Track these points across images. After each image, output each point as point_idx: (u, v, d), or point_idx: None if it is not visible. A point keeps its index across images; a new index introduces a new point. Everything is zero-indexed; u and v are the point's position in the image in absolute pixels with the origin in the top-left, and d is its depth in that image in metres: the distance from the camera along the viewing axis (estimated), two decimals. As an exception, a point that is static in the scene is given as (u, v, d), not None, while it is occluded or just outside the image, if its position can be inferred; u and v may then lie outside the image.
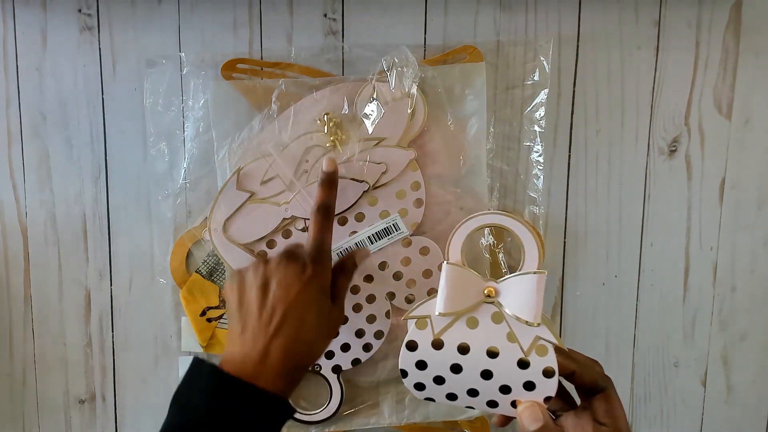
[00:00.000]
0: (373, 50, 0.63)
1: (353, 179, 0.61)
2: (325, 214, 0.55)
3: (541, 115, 0.64)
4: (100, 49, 0.64)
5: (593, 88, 0.65)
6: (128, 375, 0.69)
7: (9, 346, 0.68)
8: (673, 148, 0.67)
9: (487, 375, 0.44)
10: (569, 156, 0.67)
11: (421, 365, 0.45)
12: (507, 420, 0.48)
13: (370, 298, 0.63)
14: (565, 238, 0.68)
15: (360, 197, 0.61)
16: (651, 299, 0.69)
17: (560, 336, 0.69)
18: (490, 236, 0.64)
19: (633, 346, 0.70)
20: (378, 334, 0.64)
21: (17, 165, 0.65)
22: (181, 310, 0.66)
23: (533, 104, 0.64)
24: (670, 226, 0.68)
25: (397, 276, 0.63)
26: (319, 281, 0.50)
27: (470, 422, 0.67)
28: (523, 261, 0.44)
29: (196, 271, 0.65)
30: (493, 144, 0.64)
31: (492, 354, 0.43)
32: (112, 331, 0.68)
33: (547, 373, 0.43)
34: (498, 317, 0.44)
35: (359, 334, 0.63)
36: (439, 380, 0.45)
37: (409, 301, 0.63)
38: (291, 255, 0.51)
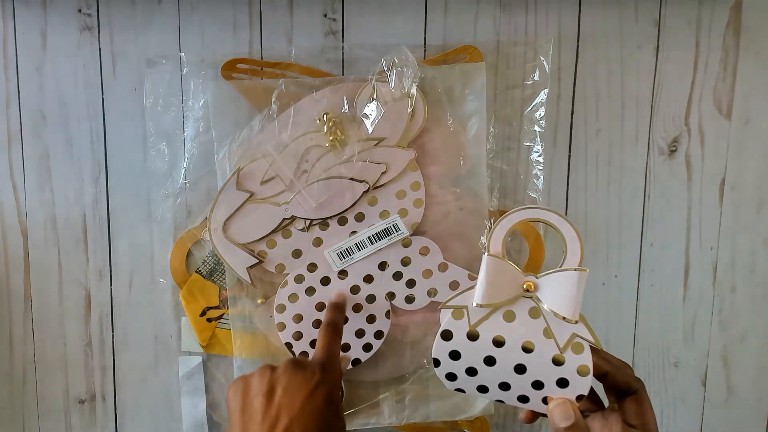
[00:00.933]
0: (373, 50, 0.63)
1: (353, 179, 0.61)
2: (334, 329, 0.55)
3: (541, 115, 0.64)
4: (100, 49, 0.64)
5: (593, 88, 0.65)
6: (128, 375, 0.69)
7: (9, 346, 0.68)
8: (673, 148, 0.67)
9: (520, 369, 0.44)
10: (569, 156, 0.67)
11: (455, 355, 0.45)
12: (534, 416, 0.47)
13: (370, 299, 0.63)
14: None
15: (360, 197, 0.61)
16: (651, 299, 0.69)
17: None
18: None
19: (633, 346, 0.70)
20: (378, 334, 0.64)
21: (17, 165, 0.65)
22: (181, 310, 0.66)
23: (533, 104, 0.64)
24: (670, 226, 0.68)
25: (397, 276, 0.63)
26: (327, 389, 0.48)
27: (470, 422, 0.67)
28: (565, 257, 0.44)
29: (196, 271, 0.65)
30: (493, 144, 0.64)
31: (527, 349, 0.43)
32: (112, 331, 0.68)
33: (581, 372, 0.43)
34: (535, 312, 0.43)
35: (359, 334, 0.63)
36: (471, 372, 0.45)
37: (410, 300, 0.63)
38: (299, 363, 0.50)
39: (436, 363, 0.45)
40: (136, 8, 0.63)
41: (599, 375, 0.45)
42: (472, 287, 0.44)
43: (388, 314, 0.63)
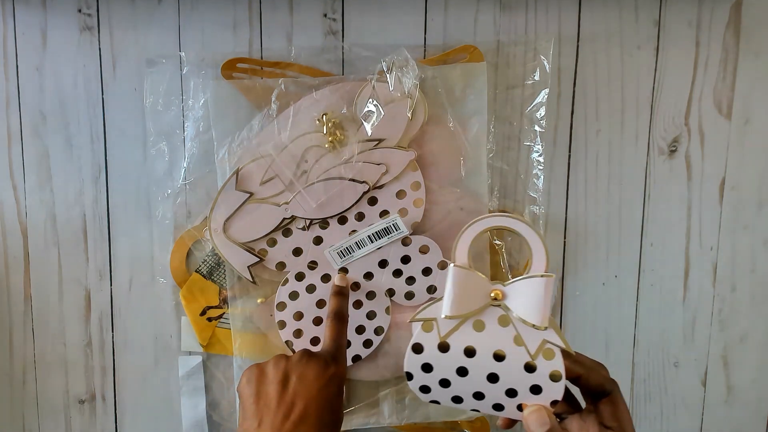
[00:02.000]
0: (372, 50, 0.63)
1: (353, 180, 0.61)
2: (340, 319, 0.55)
3: (542, 114, 0.64)
4: (100, 49, 0.64)
5: (593, 88, 0.65)
6: (128, 375, 0.69)
7: (9, 346, 0.68)
8: (673, 148, 0.67)
9: (493, 378, 0.44)
10: (569, 156, 0.67)
11: (427, 368, 0.44)
12: (512, 423, 0.48)
13: (370, 295, 0.63)
14: (565, 238, 0.68)
15: (360, 197, 0.61)
16: (651, 299, 0.69)
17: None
18: (495, 237, 0.64)
19: (633, 346, 0.70)
20: (378, 330, 0.64)
21: (17, 165, 0.65)
22: (181, 309, 0.66)
23: (533, 104, 0.64)
24: (670, 226, 0.68)
25: (397, 273, 0.63)
26: (339, 380, 0.50)
27: (470, 422, 0.67)
28: (531, 264, 0.44)
29: (196, 271, 0.65)
30: (493, 144, 0.64)
31: (499, 357, 0.43)
32: (112, 331, 0.68)
33: (554, 377, 0.43)
34: (505, 320, 0.43)
35: (359, 330, 0.63)
36: (444, 383, 0.45)
37: (409, 297, 0.63)
38: (312, 353, 0.51)
39: (409, 377, 0.45)
40: (136, 8, 0.64)
41: (573, 378, 0.45)
42: (441, 298, 0.44)
43: (387, 310, 0.63)
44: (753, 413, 0.72)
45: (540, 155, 0.65)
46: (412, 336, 0.45)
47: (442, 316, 0.43)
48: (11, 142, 0.65)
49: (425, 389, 0.46)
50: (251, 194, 0.62)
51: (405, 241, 0.63)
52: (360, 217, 0.62)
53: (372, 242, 0.62)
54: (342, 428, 0.66)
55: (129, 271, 0.67)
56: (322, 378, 0.48)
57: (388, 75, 0.61)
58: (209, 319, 0.66)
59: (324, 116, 0.61)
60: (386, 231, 0.62)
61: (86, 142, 0.65)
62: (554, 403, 0.43)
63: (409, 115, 0.61)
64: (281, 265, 0.63)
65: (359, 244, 0.62)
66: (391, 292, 0.63)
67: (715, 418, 0.71)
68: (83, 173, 0.66)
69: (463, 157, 0.63)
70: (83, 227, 0.66)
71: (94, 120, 0.65)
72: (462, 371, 0.44)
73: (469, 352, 0.43)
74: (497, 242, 0.64)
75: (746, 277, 0.69)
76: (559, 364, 0.43)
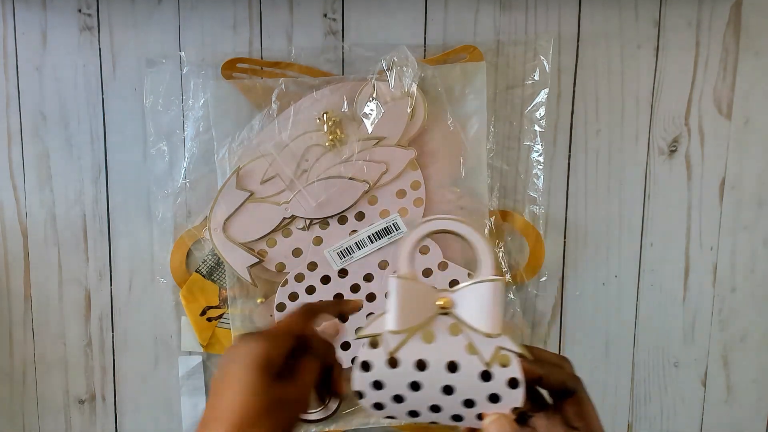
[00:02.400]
0: (373, 50, 0.63)
1: (353, 179, 0.61)
2: (307, 311, 0.46)
3: (542, 114, 0.64)
4: (100, 49, 0.64)
5: (593, 88, 0.66)
6: (128, 375, 0.69)
7: (9, 346, 0.68)
8: (673, 148, 0.67)
9: (448, 390, 0.41)
10: (569, 156, 0.67)
11: (378, 385, 0.42)
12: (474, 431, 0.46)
13: (370, 297, 0.63)
14: (565, 238, 0.68)
15: (360, 197, 0.61)
16: (651, 299, 0.69)
17: (560, 336, 0.69)
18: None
19: (633, 346, 0.70)
20: (378, 334, 0.64)
21: (17, 165, 0.65)
22: (181, 309, 0.66)
23: (533, 104, 0.64)
24: (670, 226, 0.68)
25: (397, 275, 0.63)
26: (249, 355, 0.41)
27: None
28: (479, 269, 0.41)
29: (196, 271, 0.65)
30: (493, 143, 0.64)
31: (452, 368, 0.41)
32: (112, 331, 0.68)
33: (512, 384, 0.40)
34: (456, 329, 0.41)
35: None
36: (398, 399, 0.42)
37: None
38: (244, 335, 0.45)
39: (360, 395, 0.42)
40: (136, 8, 0.64)
41: (533, 380, 0.42)
42: (384, 313, 0.41)
43: (388, 314, 0.63)
44: (753, 413, 0.72)
45: (540, 155, 0.65)
46: (359, 353, 0.42)
47: (388, 330, 0.40)
48: (11, 142, 0.65)
49: (379, 406, 0.43)
50: (252, 193, 0.62)
51: (405, 241, 0.63)
52: (360, 216, 0.62)
53: (372, 242, 0.62)
54: (342, 428, 0.66)
55: (129, 271, 0.67)
56: (227, 357, 0.42)
57: (388, 73, 0.61)
58: (209, 319, 0.66)
59: (324, 115, 0.61)
60: (386, 231, 0.62)
61: (86, 142, 0.65)
62: (515, 409, 0.41)
63: (409, 112, 0.61)
64: (281, 266, 0.63)
65: (359, 245, 0.62)
66: (391, 293, 0.63)
67: (715, 418, 0.71)
68: (83, 173, 0.66)
69: (463, 156, 0.63)
70: (83, 227, 0.66)
71: (94, 120, 0.65)
72: (415, 386, 0.42)
73: (421, 366, 0.41)
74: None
75: (746, 277, 0.69)
76: (516, 371, 0.40)
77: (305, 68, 0.63)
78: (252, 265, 0.62)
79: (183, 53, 0.63)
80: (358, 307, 0.49)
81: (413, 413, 0.43)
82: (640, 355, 0.70)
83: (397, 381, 0.42)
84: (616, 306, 0.69)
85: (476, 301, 0.40)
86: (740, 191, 0.68)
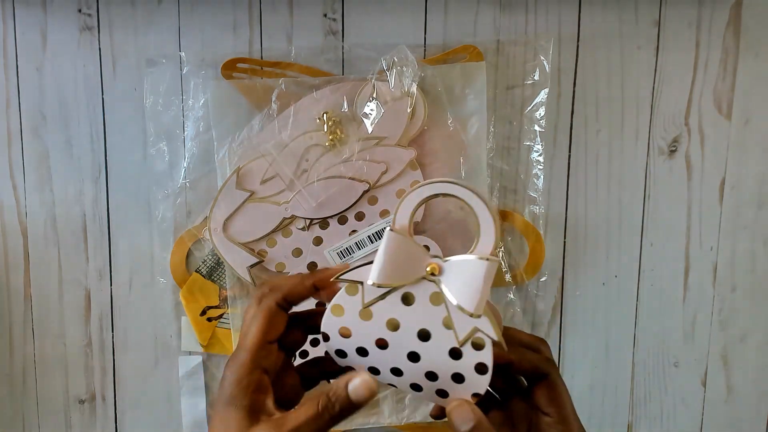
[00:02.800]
0: (372, 50, 0.63)
1: (353, 178, 0.61)
2: (264, 311, 0.41)
3: (542, 114, 0.64)
4: (100, 49, 0.64)
5: (593, 88, 0.66)
6: (128, 375, 0.69)
7: (9, 346, 0.68)
8: (673, 148, 0.67)
9: (414, 357, 0.40)
10: (569, 156, 0.67)
11: (345, 333, 0.40)
12: (443, 412, 0.42)
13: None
14: (565, 238, 0.68)
15: (360, 197, 0.61)
16: (651, 299, 0.69)
17: (560, 336, 0.69)
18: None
19: (633, 346, 0.70)
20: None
21: (17, 165, 0.65)
22: (181, 309, 0.66)
23: (533, 104, 0.64)
24: (670, 226, 0.68)
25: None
26: (233, 367, 0.38)
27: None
28: (477, 241, 0.38)
29: (196, 271, 0.65)
30: (493, 144, 0.64)
31: (423, 336, 0.39)
32: (112, 331, 0.68)
33: (480, 369, 0.38)
34: (437, 298, 0.39)
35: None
36: (362, 352, 0.41)
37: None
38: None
39: (325, 337, 0.41)
40: (136, 8, 0.64)
41: (504, 364, 0.40)
42: (370, 263, 0.39)
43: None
44: (753, 413, 0.72)
45: (540, 155, 0.65)
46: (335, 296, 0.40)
47: (370, 282, 0.38)
48: (11, 142, 0.65)
49: (341, 353, 0.41)
50: (252, 193, 0.62)
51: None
52: (360, 216, 0.62)
53: (372, 242, 0.62)
54: (342, 428, 0.66)
55: (129, 271, 0.67)
56: (225, 368, 0.40)
57: (388, 73, 0.61)
58: (209, 319, 0.66)
59: (324, 115, 0.61)
60: (386, 231, 0.62)
61: (86, 142, 0.65)
62: (476, 395, 0.39)
63: (409, 112, 0.61)
64: (281, 266, 0.63)
65: (359, 245, 0.62)
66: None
67: (715, 418, 0.71)
68: (83, 173, 0.66)
69: (463, 156, 0.63)
70: (83, 227, 0.66)
71: (94, 120, 0.65)
72: (382, 344, 0.40)
73: (393, 326, 0.39)
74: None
75: (746, 277, 0.69)
76: (487, 357, 0.38)
77: (305, 68, 0.63)
78: (252, 265, 0.62)
79: (183, 53, 0.63)
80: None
81: (374, 370, 0.41)
82: (640, 355, 0.70)
83: (365, 334, 0.40)
84: (616, 306, 0.69)
85: (465, 276, 0.38)
86: (740, 191, 0.68)
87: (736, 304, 0.69)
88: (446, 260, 0.38)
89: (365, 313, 0.39)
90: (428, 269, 0.38)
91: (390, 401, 0.66)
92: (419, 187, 0.38)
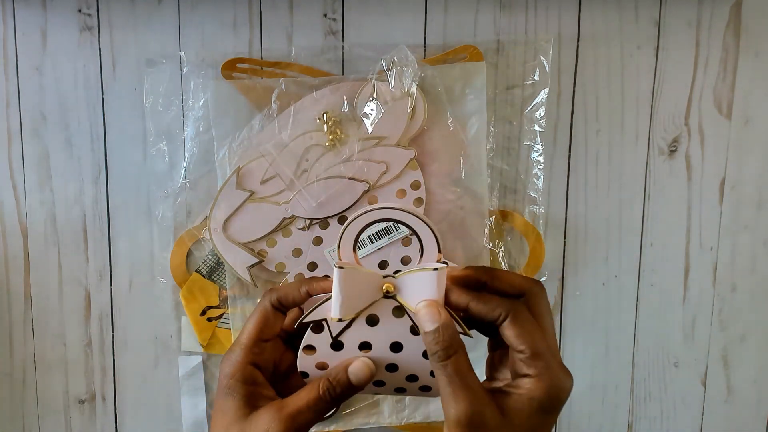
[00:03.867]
0: (372, 50, 0.63)
1: (353, 178, 0.61)
2: (257, 313, 0.42)
3: (541, 114, 0.64)
4: (100, 49, 0.64)
5: (593, 88, 0.66)
6: (128, 375, 0.69)
7: (9, 346, 0.68)
8: (673, 148, 0.67)
9: (392, 368, 0.41)
10: (569, 156, 0.67)
11: (322, 366, 0.42)
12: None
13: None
14: (565, 238, 0.68)
15: (360, 197, 0.61)
16: (651, 299, 0.69)
17: (560, 336, 0.69)
18: (492, 243, 0.64)
19: (633, 346, 0.70)
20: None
21: (17, 165, 0.65)
22: (181, 309, 0.66)
23: (533, 104, 0.64)
24: (670, 226, 0.68)
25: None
26: (223, 378, 0.40)
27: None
28: (422, 256, 0.40)
29: (196, 271, 0.65)
30: (493, 143, 0.64)
31: (396, 348, 0.41)
32: (112, 331, 0.68)
33: None
34: (399, 311, 0.41)
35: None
36: None
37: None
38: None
39: (304, 375, 0.42)
40: (136, 8, 0.64)
41: (461, 311, 0.40)
42: (329, 299, 0.40)
43: (388, 314, 0.63)
44: (753, 413, 0.72)
45: (540, 155, 0.65)
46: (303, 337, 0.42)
47: (332, 317, 0.40)
48: (11, 142, 0.65)
49: None
50: (252, 193, 0.62)
51: (405, 242, 0.63)
52: (360, 216, 0.62)
53: (372, 242, 0.62)
54: (342, 428, 0.66)
55: (129, 271, 0.67)
56: (221, 363, 0.41)
57: (388, 73, 0.61)
58: (209, 319, 0.66)
59: (324, 115, 0.61)
60: (386, 231, 0.62)
61: (86, 142, 0.65)
62: None
63: (409, 112, 0.61)
64: (281, 266, 0.63)
65: (359, 245, 0.62)
66: (391, 292, 0.63)
67: (715, 418, 0.71)
68: (83, 173, 0.66)
69: (463, 156, 0.63)
70: (83, 227, 0.66)
71: (94, 120, 0.65)
72: None
73: (365, 347, 0.41)
74: (491, 247, 0.64)
75: (746, 277, 0.69)
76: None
77: (305, 68, 0.63)
78: (252, 265, 0.62)
79: (183, 53, 0.63)
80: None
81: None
82: (640, 355, 0.70)
83: (341, 362, 0.41)
84: (616, 306, 0.69)
85: (419, 287, 0.40)
86: (740, 191, 0.68)
87: (736, 304, 0.69)
88: (398, 277, 0.40)
89: (336, 344, 0.41)
90: (384, 289, 0.40)
91: (390, 401, 0.66)
92: (357, 216, 0.40)
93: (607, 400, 0.71)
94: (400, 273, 0.40)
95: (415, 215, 0.40)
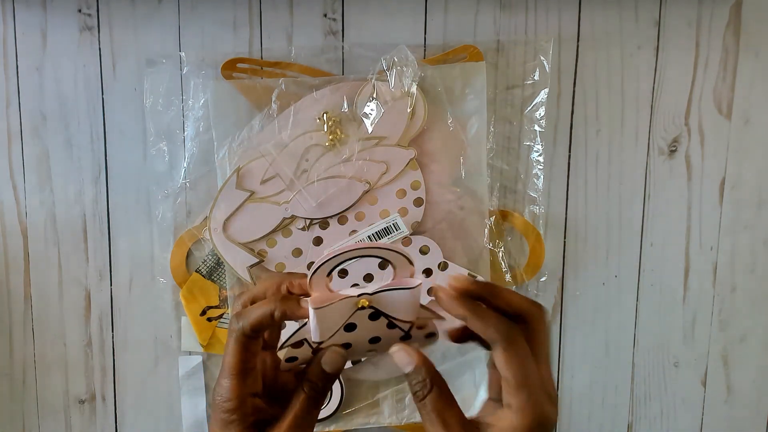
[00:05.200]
0: (372, 50, 0.63)
1: (353, 178, 0.61)
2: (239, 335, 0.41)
3: (541, 114, 0.64)
4: (100, 49, 0.64)
5: (593, 88, 0.66)
6: (128, 375, 0.68)
7: (9, 346, 0.68)
8: (673, 148, 0.67)
9: (372, 353, 0.43)
10: (569, 156, 0.67)
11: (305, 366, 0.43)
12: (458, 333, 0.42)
13: (370, 298, 0.63)
14: (565, 238, 0.68)
15: (360, 196, 0.61)
16: (651, 299, 0.69)
17: (560, 336, 0.69)
18: (492, 243, 0.64)
19: (633, 346, 0.70)
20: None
21: (17, 165, 0.65)
22: (181, 309, 0.66)
23: (533, 104, 0.64)
24: (670, 226, 0.68)
25: (397, 276, 0.63)
26: (216, 413, 0.40)
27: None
28: (394, 277, 0.41)
29: (196, 271, 0.65)
30: (493, 143, 0.64)
31: (374, 340, 0.42)
32: (112, 331, 0.68)
33: (430, 337, 0.42)
34: (375, 316, 0.41)
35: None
36: None
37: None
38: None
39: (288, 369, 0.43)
40: (136, 8, 0.64)
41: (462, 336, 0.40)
42: (306, 323, 0.41)
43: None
44: (753, 413, 0.72)
45: (540, 155, 0.65)
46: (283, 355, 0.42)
47: (312, 340, 0.41)
48: (11, 142, 0.65)
49: None
50: (252, 193, 0.62)
51: (405, 242, 0.63)
52: (360, 216, 0.62)
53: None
54: (342, 428, 0.66)
55: (129, 271, 0.67)
56: (214, 392, 0.41)
57: (388, 73, 0.61)
58: (209, 319, 0.66)
59: (324, 115, 0.61)
60: (386, 231, 0.62)
61: (86, 142, 0.65)
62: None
63: (409, 112, 0.61)
64: (281, 266, 0.63)
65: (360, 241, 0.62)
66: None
67: (715, 418, 0.71)
68: (83, 173, 0.66)
69: (463, 156, 0.63)
70: (83, 227, 0.66)
71: (94, 120, 0.65)
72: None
73: (346, 347, 0.42)
74: (491, 247, 0.64)
75: (746, 277, 0.69)
76: (431, 327, 0.41)
77: (305, 68, 0.63)
78: (252, 265, 0.62)
79: (183, 53, 0.63)
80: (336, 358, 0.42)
81: None
82: (640, 355, 0.70)
83: None
84: (616, 306, 0.69)
85: (394, 304, 0.40)
86: (740, 191, 0.68)
87: (736, 304, 0.69)
88: (373, 294, 0.40)
89: (317, 351, 0.41)
90: (359, 305, 0.40)
91: (390, 401, 0.66)
92: (329, 257, 0.39)
93: (607, 400, 0.71)
94: (375, 290, 0.40)
95: (385, 248, 0.39)
